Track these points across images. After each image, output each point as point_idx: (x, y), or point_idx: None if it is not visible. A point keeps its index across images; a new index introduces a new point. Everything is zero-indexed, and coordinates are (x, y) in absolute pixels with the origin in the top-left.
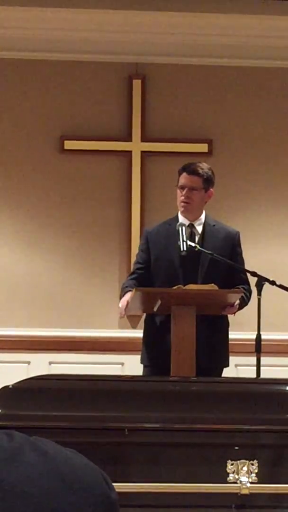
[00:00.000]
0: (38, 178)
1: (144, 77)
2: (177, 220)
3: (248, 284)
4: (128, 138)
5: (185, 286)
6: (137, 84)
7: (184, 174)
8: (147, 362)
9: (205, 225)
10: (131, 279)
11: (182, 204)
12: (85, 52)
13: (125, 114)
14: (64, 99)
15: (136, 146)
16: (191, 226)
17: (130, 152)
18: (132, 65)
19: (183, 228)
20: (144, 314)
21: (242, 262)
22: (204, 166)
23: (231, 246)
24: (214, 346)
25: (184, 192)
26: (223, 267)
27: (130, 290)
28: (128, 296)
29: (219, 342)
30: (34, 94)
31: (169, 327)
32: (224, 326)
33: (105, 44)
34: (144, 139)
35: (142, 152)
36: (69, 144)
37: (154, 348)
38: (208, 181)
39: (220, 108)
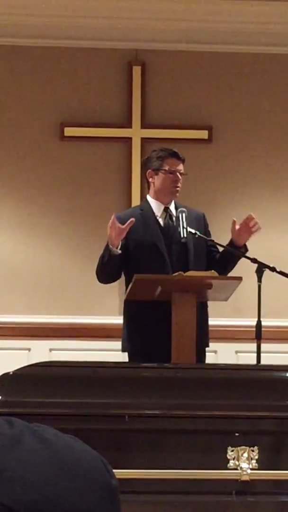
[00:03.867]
0: (38, 165)
1: (144, 64)
2: (149, 205)
3: None
4: (128, 124)
5: (180, 272)
6: (137, 70)
7: (175, 160)
8: (132, 349)
9: (176, 209)
10: None
11: (177, 189)
12: (85, 39)
13: (125, 100)
14: (64, 86)
15: (136, 133)
16: (167, 210)
17: (130, 138)
18: (132, 51)
19: (184, 214)
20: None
21: (218, 244)
22: None
23: (203, 227)
24: (201, 330)
25: (178, 178)
26: (204, 249)
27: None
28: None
29: (202, 324)
30: (34, 81)
31: (152, 314)
32: (205, 308)
33: (105, 31)
34: (144, 125)
35: (142, 138)
36: (69, 131)
37: (141, 336)
38: None
39: (220, 95)
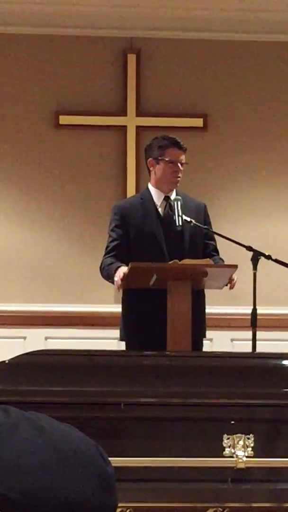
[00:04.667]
0: (34, 153)
1: (139, 52)
2: (149, 194)
3: (218, 252)
4: (123, 112)
5: (175, 260)
6: (131, 58)
7: (177, 149)
8: (128, 338)
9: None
10: (110, 257)
11: (178, 179)
12: (80, 27)
13: (120, 88)
14: (58, 74)
15: (131, 121)
16: (167, 199)
17: (125, 126)
18: (126, 39)
19: (178, 202)
20: (121, 291)
21: (214, 232)
22: None
23: (203, 217)
24: (196, 319)
25: (179, 168)
26: (201, 238)
27: (120, 266)
28: (123, 270)
29: (201, 315)
30: (29, 69)
31: (150, 302)
32: (203, 299)
33: (100, 19)
34: (139, 113)
35: (137, 126)
36: (64, 119)
37: (136, 324)
38: None
39: (215, 83)
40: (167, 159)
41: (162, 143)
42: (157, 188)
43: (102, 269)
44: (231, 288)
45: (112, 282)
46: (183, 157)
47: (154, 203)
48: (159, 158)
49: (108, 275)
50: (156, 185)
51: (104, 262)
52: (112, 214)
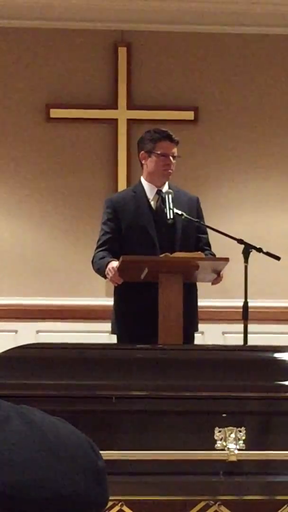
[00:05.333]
0: (24, 147)
1: (129, 45)
2: (142, 187)
3: (210, 246)
4: (114, 106)
5: (166, 254)
6: (122, 51)
7: (168, 142)
8: (119, 331)
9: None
10: (102, 251)
11: (169, 171)
12: (70, 20)
13: (111, 82)
14: (49, 67)
15: (122, 114)
16: (160, 192)
17: (116, 120)
18: (117, 32)
19: (170, 196)
20: (112, 285)
21: (205, 226)
22: None
23: (196, 210)
24: (189, 313)
25: (171, 161)
26: (193, 232)
27: (110, 261)
28: (112, 265)
29: (193, 308)
30: (19, 63)
31: (142, 296)
32: (195, 293)
33: (90, 11)
34: (130, 107)
35: (128, 120)
36: (55, 113)
37: (127, 318)
38: None
39: (206, 76)
40: (158, 152)
41: (154, 136)
42: (149, 182)
43: (93, 263)
44: (213, 284)
45: (104, 276)
46: (175, 150)
47: (146, 196)
48: (151, 151)
49: (99, 269)
50: (148, 179)
51: (96, 256)
52: (104, 207)
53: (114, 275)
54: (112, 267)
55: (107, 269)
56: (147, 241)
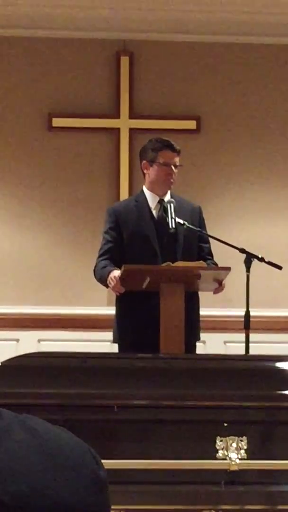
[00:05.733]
0: (27, 156)
1: (132, 54)
2: (144, 196)
3: (212, 256)
4: (116, 115)
5: (168, 263)
6: (125, 61)
7: (170, 152)
8: (121, 341)
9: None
10: (104, 260)
11: (171, 181)
12: (73, 29)
13: (113, 91)
14: (52, 76)
15: (124, 123)
16: (162, 202)
17: (118, 129)
18: (119, 41)
19: (172, 205)
20: (115, 294)
21: (207, 235)
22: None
23: (198, 219)
24: (191, 322)
25: (172, 170)
26: (195, 241)
27: (112, 270)
28: (114, 274)
29: (194, 318)
30: (22, 72)
31: (144, 305)
32: (197, 302)
33: (93, 21)
34: (132, 116)
35: (130, 129)
36: (57, 122)
37: (129, 327)
38: None
39: (208, 85)
40: (160, 161)
41: (156, 146)
42: (151, 191)
43: (95, 272)
44: (215, 293)
45: (106, 285)
46: (176, 159)
47: (148, 205)
48: (153, 160)
49: (101, 279)
50: (150, 188)
51: (98, 265)
52: (106, 216)
53: (116, 285)
54: (114, 276)
55: (109, 278)
56: (148, 251)
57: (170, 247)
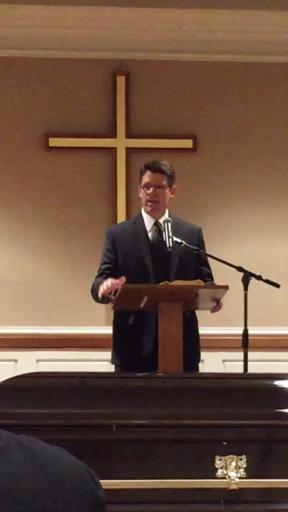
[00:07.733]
0: (23, 176)
1: (128, 74)
2: (142, 219)
3: (213, 278)
4: (112, 134)
5: (166, 282)
6: (121, 80)
7: (149, 172)
8: (119, 362)
9: None
10: (100, 279)
11: (149, 203)
12: (69, 49)
13: (110, 110)
14: (48, 96)
15: (121, 143)
16: (157, 224)
17: (114, 148)
18: (116, 61)
19: (168, 224)
20: (112, 314)
21: (206, 257)
22: (166, 163)
23: (197, 241)
24: (190, 343)
25: (150, 191)
26: (192, 263)
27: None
28: (109, 280)
29: (194, 338)
30: (18, 92)
31: (142, 325)
32: (195, 323)
33: (89, 41)
34: (128, 135)
35: (127, 148)
36: (53, 142)
37: (127, 348)
38: (171, 178)
39: (205, 104)
40: (142, 184)
41: (142, 169)
42: (147, 214)
43: (92, 291)
44: (212, 311)
45: (101, 301)
46: (157, 179)
47: (145, 227)
48: (140, 183)
49: (96, 295)
50: (145, 210)
51: (94, 283)
52: (105, 237)
53: (112, 283)
54: (111, 283)
55: (102, 286)
56: (142, 271)
57: (164, 267)
